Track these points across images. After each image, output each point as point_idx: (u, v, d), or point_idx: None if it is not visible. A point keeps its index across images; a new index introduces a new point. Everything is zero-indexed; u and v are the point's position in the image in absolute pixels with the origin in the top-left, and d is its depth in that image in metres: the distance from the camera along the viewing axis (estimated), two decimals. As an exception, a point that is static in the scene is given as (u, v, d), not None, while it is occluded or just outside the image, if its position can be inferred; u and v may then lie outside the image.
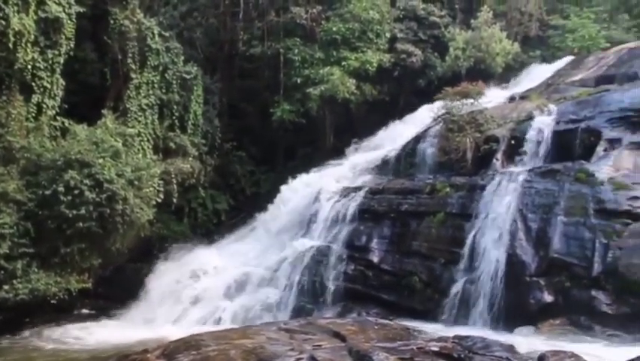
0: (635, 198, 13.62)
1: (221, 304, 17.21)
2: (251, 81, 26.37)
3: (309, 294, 16.87)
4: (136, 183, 17.38)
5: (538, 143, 16.67)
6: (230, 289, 17.77)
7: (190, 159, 21.47)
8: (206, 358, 7.87)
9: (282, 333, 9.41)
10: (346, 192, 18.49)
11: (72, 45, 17.97)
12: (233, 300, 17.39)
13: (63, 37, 17.58)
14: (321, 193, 18.88)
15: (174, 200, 20.60)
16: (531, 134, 16.90)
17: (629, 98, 16.42)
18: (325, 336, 9.45)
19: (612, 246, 13.08)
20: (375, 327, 10.47)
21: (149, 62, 20.50)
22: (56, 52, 17.50)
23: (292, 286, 17.05)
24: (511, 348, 9.19)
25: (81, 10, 18.32)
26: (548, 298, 13.49)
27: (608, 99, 16.82)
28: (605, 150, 15.38)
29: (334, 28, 23.84)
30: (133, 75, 20.15)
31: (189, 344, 8.43)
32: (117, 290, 18.75)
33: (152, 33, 20.54)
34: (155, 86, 20.79)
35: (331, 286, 16.66)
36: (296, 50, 23.97)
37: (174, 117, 21.43)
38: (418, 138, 19.18)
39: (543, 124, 16.99)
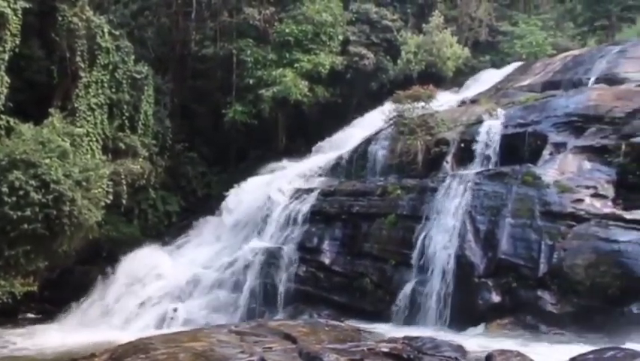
0: (579, 200, 13.99)
1: (172, 306, 17.00)
2: (203, 82, 26.15)
3: (261, 296, 16.79)
4: (84, 183, 17.04)
5: (487, 146, 16.94)
6: (181, 292, 17.57)
7: (140, 159, 21.14)
8: (155, 362, 7.78)
9: (232, 335, 9.37)
10: (298, 194, 18.49)
11: (17, 42, 17.47)
12: (183, 303, 17.20)
13: (8, 33, 17.10)
14: (273, 195, 18.83)
15: (124, 201, 20.23)
16: (480, 138, 17.16)
17: (573, 103, 16.85)
18: (276, 338, 9.44)
19: (557, 247, 13.43)
20: (326, 329, 10.52)
21: (98, 61, 20.10)
22: (0, 48, 17.02)
23: (244, 289, 16.96)
24: (459, 348, 9.34)
25: (27, 5, 17.79)
26: (496, 298, 13.75)
27: (554, 104, 17.22)
28: (550, 154, 15.74)
29: (287, 30, 23.82)
30: (82, 74, 19.72)
31: (138, 347, 8.31)
32: (64, 294, 18.36)
33: (102, 31, 20.15)
34: (105, 85, 20.40)
35: (283, 288, 16.64)
36: (249, 51, 23.87)
37: (124, 117, 21.06)
38: (369, 141, 19.30)
39: (492, 128, 17.28)
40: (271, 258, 17.13)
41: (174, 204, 23.38)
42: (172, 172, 23.70)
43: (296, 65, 23.48)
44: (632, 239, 12.67)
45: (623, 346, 9.07)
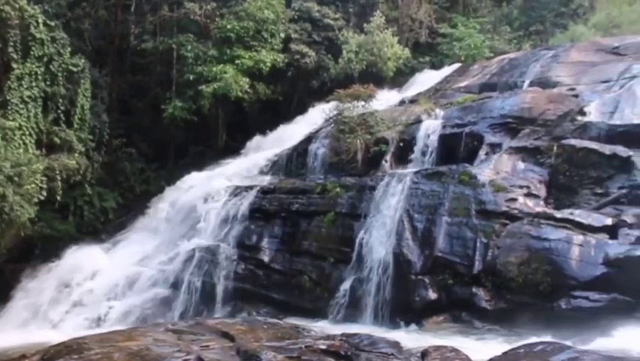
0: (513, 199, 14.35)
1: (107, 305, 16.68)
2: (142, 76, 25.71)
3: (199, 294, 16.61)
4: (16, 179, 16.56)
5: (426, 146, 17.23)
6: (117, 290, 17.24)
7: (76, 154, 20.62)
8: (88, 362, 7.63)
9: (169, 334, 9.30)
10: (237, 191, 18.36)
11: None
12: (120, 301, 16.89)
13: None
14: (213, 192, 18.67)
15: (58, 197, 19.74)
16: (419, 137, 17.43)
17: (509, 105, 17.27)
18: (214, 336, 9.43)
19: (491, 245, 13.73)
20: (265, 326, 10.56)
21: (32, 52, 19.50)
22: None
23: (181, 287, 16.73)
24: (396, 344, 9.51)
25: (-44, -6, 17.22)
26: (433, 295, 13.98)
27: (490, 106, 17.62)
28: (486, 154, 16.11)
29: (229, 26, 23.62)
30: (14, 65, 19.11)
31: (71, 348, 8.13)
32: (-6, 293, 17.78)
33: (37, 22, 19.56)
34: (39, 77, 19.80)
35: (221, 286, 16.50)
36: (189, 47, 23.58)
37: (59, 111, 20.51)
38: (309, 139, 19.36)
39: (430, 128, 17.57)
40: (210, 255, 16.97)
41: (111, 201, 22.89)
42: (109, 168, 23.19)
43: (237, 61, 23.31)
44: (561, 237, 13.05)
45: (553, 340, 9.38)
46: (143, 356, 7.79)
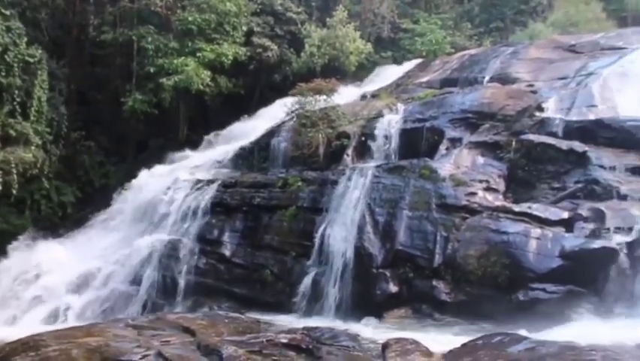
0: (472, 194, 14.52)
1: (66, 301, 16.37)
2: (102, 68, 25.33)
3: (160, 289, 16.45)
4: (-31, 172, 16.16)
5: (387, 140, 17.36)
6: (76, 286, 16.93)
7: (33, 148, 20.23)
8: (46, 359, 7.50)
9: (129, 330, 9.20)
10: (199, 185, 18.21)
11: None
12: (78, 297, 16.61)
13: None
14: (173, 186, 18.49)
15: (14, 191, 19.45)
16: (380, 132, 17.55)
17: (469, 100, 17.53)
18: (175, 332, 9.36)
19: (451, 238, 13.88)
20: (226, 321, 10.52)
21: (-14, 42, 19.08)
22: None
23: (142, 281, 16.55)
24: (357, 337, 9.60)
25: None
26: (393, 288, 14.07)
27: (451, 101, 17.85)
28: (447, 149, 16.32)
29: (190, 18, 23.42)
30: (-33, 55, 18.67)
31: (27, 345, 7.97)
32: (-55, 289, 17.32)
33: (-9, 10, 19.14)
34: (-6, 68, 19.41)
35: (182, 280, 16.35)
36: (150, 39, 23.31)
37: (15, 103, 20.06)
38: (271, 133, 19.31)
39: (392, 122, 17.70)
40: (170, 250, 16.81)
41: (69, 195, 22.56)
42: (67, 162, 22.83)
43: (198, 54, 23.15)
44: (519, 230, 13.27)
45: (510, 331, 9.54)
46: (102, 352, 7.69)
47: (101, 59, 25.17)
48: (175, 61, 22.85)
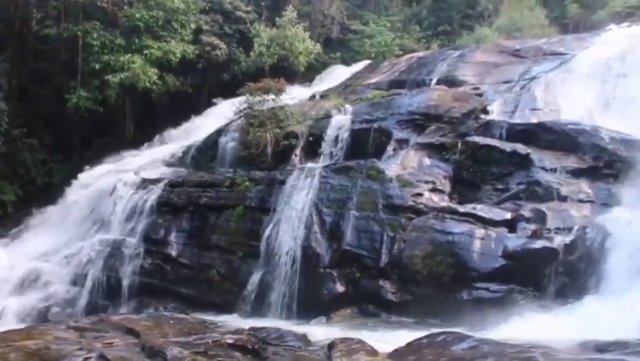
0: (419, 194, 14.68)
1: (4, 303, 15.90)
2: (45, 63, 24.69)
3: (104, 290, 16.21)
4: None
5: (335, 140, 17.42)
6: (16, 287, 16.48)
7: (-29, 145, 19.65)
8: (-18, 362, 7.27)
9: (70, 332, 9.02)
10: (145, 184, 17.96)
11: None
12: (18, 298, 16.17)
13: None
14: (119, 185, 18.17)
15: (-50, 189, 18.80)
16: (328, 132, 17.61)
17: (416, 102, 17.72)
18: (118, 333, 9.22)
19: (398, 239, 14.02)
20: (171, 322, 10.41)
21: None
22: None
23: (85, 282, 16.25)
24: (303, 337, 9.59)
25: None
26: (340, 288, 14.14)
27: (399, 102, 18.03)
28: (394, 150, 16.47)
29: (137, 15, 23.08)
30: None
31: (-38, 348, 7.72)
32: None
33: None
34: None
35: (127, 281, 16.13)
36: (95, 35, 22.87)
37: (-48, 98, 19.48)
38: (219, 132, 19.18)
39: (340, 123, 17.77)
40: (115, 250, 16.55)
41: (10, 194, 21.93)
42: (8, 159, 22.19)
43: (145, 51, 22.85)
44: (464, 231, 13.50)
45: (455, 330, 9.69)
46: (42, 355, 7.50)
47: (44, 54, 24.55)
48: (121, 58, 22.50)
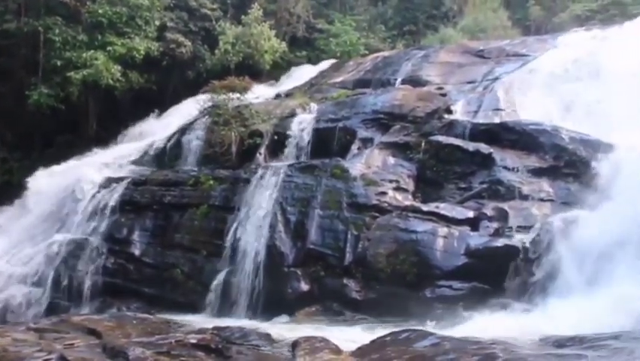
0: (383, 193, 14.77)
1: (-42, 305, 15.61)
2: (5, 59, 24.08)
3: (65, 290, 15.96)
4: None
5: (300, 139, 17.47)
6: (-28, 288, 16.19)
7: None
8: (-64, 366, 7.13)
9: (30, 333, 8.91)
10: (107, 182, 17.74)
11: None
12: (-26, 299, 15.86)
13: None
14: (81, 183, 17.92)
15: None
16: (293, 131, 17.65)
17: (381, 101, 17.85)
18: (79, 334, 9.13)
19: (362, 237, 14.08)
20: (134, 322, 10.35)
21: None
22: None
23: (46, 283, 15.99)
24: (267, 336, 9.61)
25: None
26: (305, 287, 14.16)
27: (364, 102, 18.13)
28: (358, 149, 16.56)
29: (100, 11, 22.74)
30: None
31: None
32: None
33: None
34: None
35: (89, 281, 15.92)
36: (57, 30, 22.45)
37: None
38: (183, 130, 19.07)
39: (305, 121, 17.82)
40: (77, 250, 16.32)
41: (-33, 193, 21.43)
42: (-35, 157, 21.74)
43: (109, 48, 22.52)
44: (427, 229, 13.61)
45: (418, 327, 9.79)
46: (0, 357, 7.38)
47: (4, 49, 23.96)
48: (84, 54, 22.15)
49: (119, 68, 22.48)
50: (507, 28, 28.69)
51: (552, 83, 17.62)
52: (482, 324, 10.78)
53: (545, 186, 14.25)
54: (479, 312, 11.63)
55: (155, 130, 20.45)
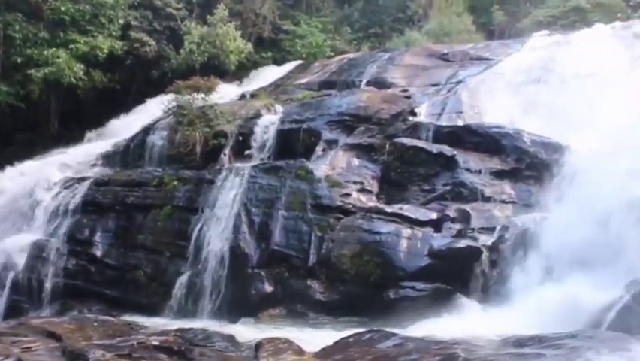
0: (347, 195, 14.82)
1: None
2: (-38, 56, 23.68)
3: (25, 292, 15.70)
4: None
5: (265, 140, 17.42)
6: None
7: None
8: None
9: (-14, 337, 8.69)
10: (69, 183, 17.49)
11: None
12: None
13: None
14: (42, 184, 17.64)
15: None
16: (258, 132, 17.59)
17: (345, 103, 17.89)
18: (38, 337, 8.98)
19: (326, 238, 14.11)
20: (95, 324, 10.24)
21: None
22: None
23: (5, 285, 15.74)
24: (231, 338, 9.58)
25: None
26: (269, 288, 14.13)
27: (328, 103, 18.17)
28: (323, 150, 16.57)
29: (63, 8, 22.33)
30: None
31: None
32: None
33: None
34: None
35: (49, 283, 15.66)
36: (17, 27, 21.96)
37: None
38: (147, 130, 18.87)
39: (269, 122, 17.77)
40: (37, 251, 16.03)
41: None
42: None
43: (71, 46, 22.14)
44: (391, 230, 13.69)
45: (381, 328, 9.84)
46: (-46, 362, 7.24)
47: (-39, 46, 23.55)
48: (45, 52, 21.74)
49: (82, 66, 22.12)
50: (471, 32, 29.00)
51: (514, 87, 17.93)
52: (445, 324, 10.90)
53: (507, 188, 14.48)
54: (442, 312, 11.76)
55: (118, 130, 20.20)
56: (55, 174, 18.15)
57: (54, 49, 21.86)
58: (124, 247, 16.01)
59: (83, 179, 17.60)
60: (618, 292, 9.68)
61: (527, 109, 17.01)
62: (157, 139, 18.40)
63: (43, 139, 22.35)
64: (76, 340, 8.81)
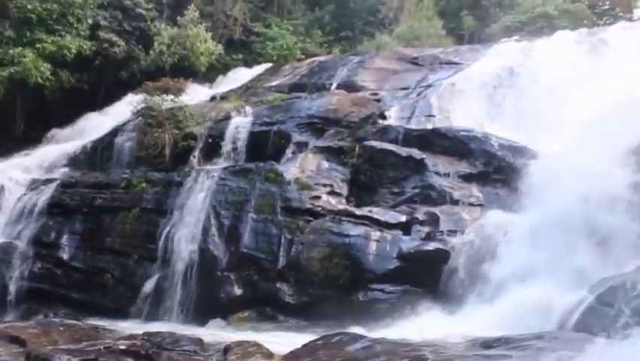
0: (316, 197, 14.85)
1: None
2: None
3: (-12, 296, 15.42)
4: None
5: (234, 142, 17.35)
6: None
7: None
8: None
9: (-52, 342, 8.52)
10: (35, 184, 17.24)
11: None
12: None
13: None
14: (7, 185, 17.34)
15: None
16: (228, 134, 17.53)
17: (316, 106, 17.93)
18: (2, 342, 8.83)
19: (295, 241, 14.11)
20: (61, 328, 10.07)
21: None
22: None
23: (-33, 289, 15.42)
24: (199, 341, 9.51)
25: None
26: (238, 291, 14.10)
27: (299, 106, 18.18)
28: (293, 153, 16.58)
29: (30, 7, 22.00)
30: None
31: None
32: None
33: None
34: None
35: (14, 286, 15.42)
36: (-18, 25, 21.70)
37: None
38: (115, 131, 18.67)
39: (239, 125, 17.72)
40: (1, 254, 15.78)
41: None
42: None
43: (38, 45, 21.82)
44: (360, 233, 13.76)
45: (350, 331, 9.86)
46: None
47: None
48: (11, 51, 21.40)
49: (49, 66, 21.81)
50: (441, 36, 29.28)
51: (482, 91, 18.15)
52: (414, 326, 10.99)
53: (475, 191, 14.64)
54: (412, 315, 11.85)
55: (86, 131, 19.94)
56: (20, 175, 17.86)
57: (20, 48, 21.54)
58: (91, 249, 15.83)
59: (49, 180, 17.36)
60: (583, 294, 9.84)
61: (495, 113, 17.26)
62: (125, 140, 18.21)
63: (8, 140, 21.93)
64: (41, 344, 8.67)
